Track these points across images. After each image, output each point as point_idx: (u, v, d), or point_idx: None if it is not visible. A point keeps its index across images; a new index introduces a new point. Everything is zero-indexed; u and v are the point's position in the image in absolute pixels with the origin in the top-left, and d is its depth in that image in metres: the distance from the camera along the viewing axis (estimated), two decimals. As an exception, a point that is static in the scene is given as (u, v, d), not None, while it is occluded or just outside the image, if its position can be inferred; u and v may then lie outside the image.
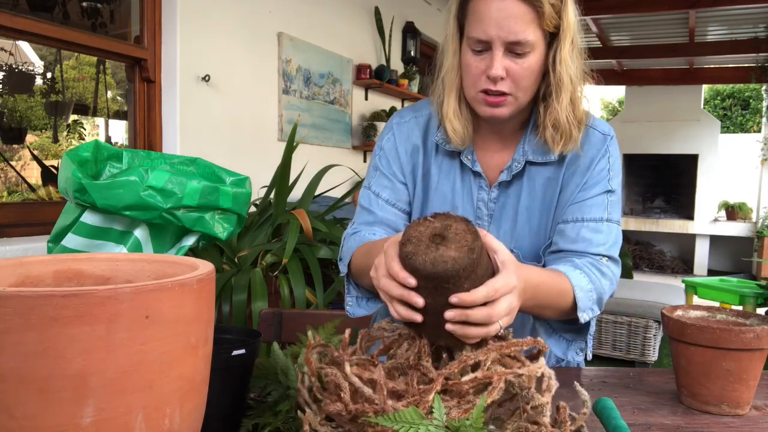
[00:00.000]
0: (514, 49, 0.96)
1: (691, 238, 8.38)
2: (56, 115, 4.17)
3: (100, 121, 4.58)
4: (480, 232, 0.73)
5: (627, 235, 8.55)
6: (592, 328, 1.03)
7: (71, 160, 1.26)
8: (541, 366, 0.68)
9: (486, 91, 1.00)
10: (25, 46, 4.09)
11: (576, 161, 1.07)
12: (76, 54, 4.16)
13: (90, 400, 0.46)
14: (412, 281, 0.68)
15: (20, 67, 3.94)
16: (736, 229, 7.92)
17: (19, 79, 4.03)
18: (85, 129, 4.35)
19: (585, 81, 1.06)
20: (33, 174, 4.16)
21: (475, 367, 0.68)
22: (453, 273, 0.66)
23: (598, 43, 6.86)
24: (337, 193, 3.11)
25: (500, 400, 0.67)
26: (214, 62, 2.90)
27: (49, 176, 3.47)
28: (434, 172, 1.13)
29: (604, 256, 1.03)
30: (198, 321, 0.54)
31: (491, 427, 0.66)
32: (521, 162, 1.09)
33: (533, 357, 0.71)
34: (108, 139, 4.35)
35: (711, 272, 8.04)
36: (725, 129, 10.83)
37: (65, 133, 4.31)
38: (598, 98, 13.26)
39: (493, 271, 0.74)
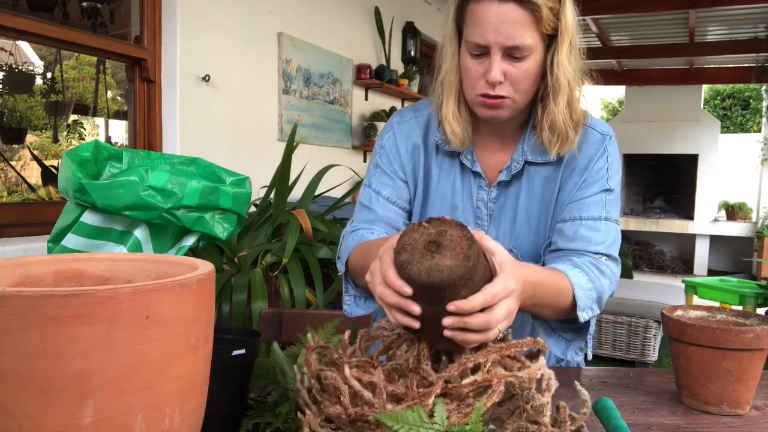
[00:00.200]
0: (513, 53, 0.96)
1: (691, 238, 8.38)
2: (56, 115, 4.17)
3: (100, 121, 4.58)
4: (477, 234, 0.72)
5: (627, 235, 8.55)
6: (592, 328, 1.02)
7: (71, 160, 1.26)
8: (541, 366, 0.68)
9: (485, 95, 1.00)
10: (25, 46, 4.10)
11: (574, 160, 1.07)
12: (76, 54, 4.16)
13: (90, 400, 0.46)
14: (407, 290, 0.68)
15: (20, 67, 3.94)
16: (736, 229, 7.92)
17: (19, 79, 4.03)
18: (85, 129, 4.35)
19: (584, 81, 1.06)
20: (33, 174, 4.16)
21: (475, 369, 0.68)
22: (449, 282, 0.65)
23: (598, 43, 6.86)
24: (337, 193, 3.11)
25: (500, 399, 0.67)
26: (214, 62, 2.90)
27: (49, 176, 3.47)
28: (435, 172, 1.13)
29: (603, 254, 1.03)
30: (198, 321, 0.54)
31: (491, 426, 0.66)
32: (520, 162, 1.09)
33: (533, 356, 0.71)
34: (108, 139, 4.35)
35: (711, 272, 8.04)
36: (725, 129, 10.83)
37: (65, 133, 4.31)
38: (598, 98, 13.26)
39: (491, 274, 0.73)
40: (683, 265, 8.49)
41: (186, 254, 1.37)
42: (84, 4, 3.14)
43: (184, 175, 1.30)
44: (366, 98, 4.37)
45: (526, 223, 1.10)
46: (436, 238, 0.67)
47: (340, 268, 1.11)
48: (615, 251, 1.05)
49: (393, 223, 1.13)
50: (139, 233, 1.31)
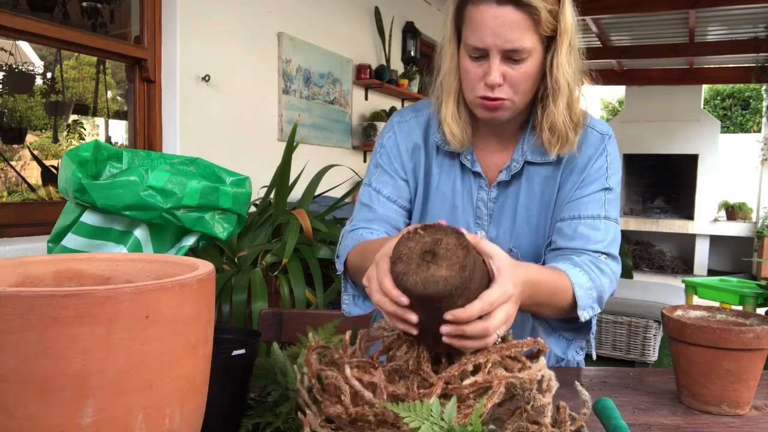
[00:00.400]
0: (512, 55, 0.96)
1: (691, 238, 8.38)
2: (56, 115, 4.17)
3: (100, 121, 4.58)
4: (473, 239, 0.72)
5: (627, 235, 8.55)
6: (594, 327, 1.02)
7: (71, 160, 1.26)
8: (542, 367, 0.68)
9: (484, 97, 1.00)
10: (25, 46, 4.10)
11: (574, 160, 1.07)
12: (76, 54, 4.16)
13: (90, 400, 0.46)
14: (404, 300, 0.67)
15: (20, 67, 3.94)
16: (736, 229, 7.92)
17: (19, 79, 4.03)
18: (85, 129, 4.35)
19: (584, 81, 1.06)
20: (33, 174, 4.16)
21: (476, 369, 0.68)
22: (445, 294, 0.64)
23: (598, 43, 6.86)
24: (337, 193, 3.11)
25: (500, 400, 0.67)
26: (214, 62, 2.90)
27: (49, 176, 3.47)
28: (435, 172, 1.13)
29: (602, 253, 1.02)
30: (198, 321, 0.54)
31: (491, 426, 0.66)
32: (520, 162, 1.09)
33: (533, 356, 0.71)
34: (108, 139, 4.35)
35: (711, 272, 8.04)
36: (725, 129, 10.83)
37: (65, 133, 4.31)
38: (598, 98, 13.26)
39: (489, 278, 0.73)
40: (683, 265, 8.49)
41: (186, 254, 1.37)
42: (84, 4, 3.14)
43: (184, 175, 1.30)
44: (366, 98, 4.37)
45: (526, 223, 1.10)
46: (432, 247, 0.66)
47: (339, 267, 1.11)
48: (615, 250, 1.04)
49: (393, 222, 1.13)
50: (139, 233, 1.31)
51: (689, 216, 8.35)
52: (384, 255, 0.72)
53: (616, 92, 12.36)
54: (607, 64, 7.63)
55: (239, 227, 1.42)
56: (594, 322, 1.01)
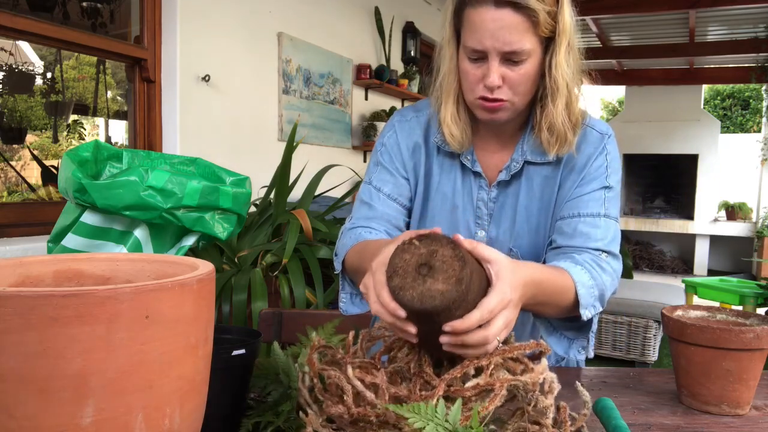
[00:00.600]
0: (511, 57, 0.96)
1: (691, 238, 8.38)
2: (56, 115, 4.17)
3: (100, 121, 4.58)
4: (471, 244, 0.71)
5: (627, 235, 8.55)
6: (594, 326, 1.02)
7: (71, 160, 1.26)
8: (544, 369, 0.67)
9: (484, 98, 1.00)
10: (25, 46, 4.10)
11: (573, 159, 1.08)
12: (76, 54, 4.16)
13: (90, 400, 0.46)
14: (401, 314, 0.67)
15: (20, 67, 3.94)
16: (736, 229, 7.92)
17: (19, 79, 4.03)
18: (85, 129, 4.35)
19: (583, 81, 1.06)
20: (33, 174, 4.16)
21: (478, 371, 0.68)
22: (442, 308, 0.64)
23: (598, 43, 6.86)
24: (337, 193, 3.11)
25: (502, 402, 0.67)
26: (214, 62, 2.90)
27: (49, 176, 3.47)
28: (436, 172, 1.13)
29: (603, 251, 1.02)
30: (198, 321, 0.54)
31: (492, 426, 0.66)
32: (520, 162, 1.09)
33: (535, 357, 0.71)
34: (108, 139, 4.35)
35: (711, 272, 8.04)
36: (725, 129, 10.83)
37: (65, 133, 4.31)
38: (598, 98, 13.26)
39: (487, 283, 0.72)
40: (683, 265, 8.49)
41: (186, 254, 1.37)
42: (84, 4, 3.14)
43: (184, 175, 1.30)
44: (366, 98, 4.37)
45: (525, 223, 1.10)
46: (427, 259, 0.65)
47: (337, 266, 1.11)
48: (615, 248, 1.04)
49: (393, 221, 1.13)
50: (139, 233, 1.31)
51: (689, 216, 8.35)
52: (380, 264, 0.72)
53: (616, 92, 12.37)
54: (607, 64, 7.63)
55: (239, 227, 1.42)
56: (595, 320, 1.01)
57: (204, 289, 0.54)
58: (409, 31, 4.78)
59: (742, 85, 10.93)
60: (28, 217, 2.23)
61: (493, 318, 0.69)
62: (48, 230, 1.47)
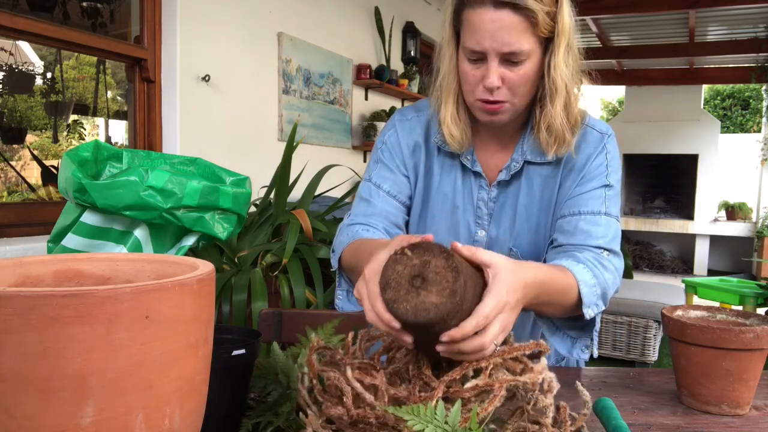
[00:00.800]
0: (510, 58, 0.96)
1: (691, 238, 8.38)
2: (56, 115, 4.17)
3: (100, 121, 4.58)
4: (468, 251, 0.71)
5: (627, 235, 8.55)
6: (598, 325, 1.01)
7: (71, 160, 1.26)
8: (543, 368, 0.67)
9: (484, 100, 1.00)
10: (25, 46, 4.09)
11: (573, 159, 1.08)
12: (76, 54, 4.16)
13: (90, 400, 0.46)
14: (396, 325, 0.66)
15: (20, 67, 3.94)
16: (736, 229, 7.92)
17: (19, 79, 4.03)
18: (85, 129, 4.35)
19: (582, 81, 1.06)
20: (33, 174, 4.16)
21: (477, 372, 0.68)
22: (437, 321, 0.64)
23: (598, 43, 6.86)
24: (337, 193, 3.11)
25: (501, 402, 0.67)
26: (214, 62, 2.90)
27: (49, 176, 3.47)
28: (436, 171, 1.14)
29: (604, 249, 1.02)
30: (198, 321, 0.54)
31: (492, 426, 0.66)
32: (520, 162, 1.09)
33: (534, 356, 0.71)
34: (108, 139, 4.35)
35: (711, 272, 8.04)
36: (725, 129, 10.84)
37: (65, 133, 4.31)
38: (598, 98, 13.26)
39: (484, 286, 0.72)
40: (683, 265, 8.49)
41: (186, 254, 1.37)
42: (84, 4, 3.14)
43: (184, 175, 1.30)
44: (366, 98, 4.37)
45: (525, 222, 1.10)
46: (420, 270, 0.65)
47: (334, 263, 1.11)
48: (616, 246, 1.04)
49: (391, 218, 1.13)
50: (139, 233, 1.31)
51: (689, 216, 8.36)
52: (374, 273, 0.71)
53: (616, 92, 12.37)
54: (607, 64, 7.64)
55: (239, 227, 1.42)
56: (598, 319, 1.00)
57: (204, 289, 0.54)
58: (409, 31, 4.78)
59: (742, 85, 10.93)
60: (28, 217, 2.23)
61: (489, 324, 0.69)
62: (48, 230, 1.47)
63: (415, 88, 4.68)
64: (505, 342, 0.73)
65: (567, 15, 0.98)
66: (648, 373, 1.06)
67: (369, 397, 0.63)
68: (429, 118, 1.14)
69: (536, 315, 1.05)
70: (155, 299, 0.49)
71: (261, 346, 0.83)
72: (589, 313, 0.95)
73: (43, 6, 2.84)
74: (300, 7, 3.56)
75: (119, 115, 4.24)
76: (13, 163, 4.17)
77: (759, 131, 8.63)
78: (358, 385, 0.64)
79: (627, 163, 8.47)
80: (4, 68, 3.83)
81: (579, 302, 0.94)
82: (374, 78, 4.20)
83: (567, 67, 1.00)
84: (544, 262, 1.08)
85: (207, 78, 2.85)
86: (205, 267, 0.58)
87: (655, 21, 6.22)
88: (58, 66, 4.18)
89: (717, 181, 8.23)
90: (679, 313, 0.96)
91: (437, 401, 0.61)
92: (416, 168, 1.14)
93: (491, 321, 0.69)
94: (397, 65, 4.73)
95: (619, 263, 1.03)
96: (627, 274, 4.91)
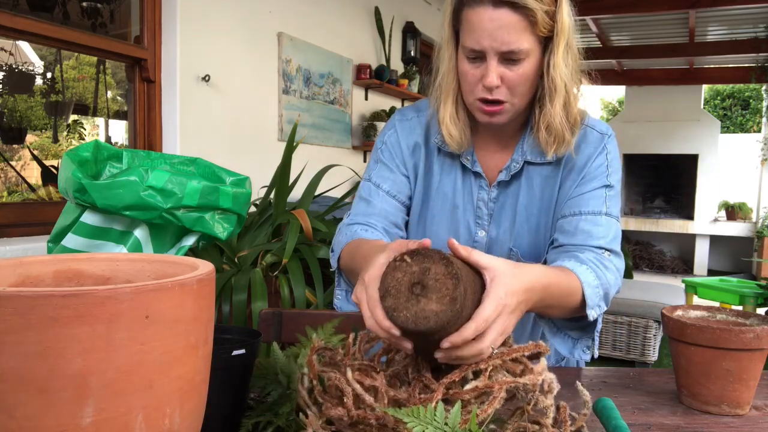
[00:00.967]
0: (509, 56, 0.96)
1: (691, 238, 8.38)
2: (56, 115, 4.17)
3: (100, 121, 4.58)
4: (465, 251, 0.71)
5: (627, 235, 8.55)
6: (599, 325, 1.01)
7: (71, 160, 1.26)
8: (543, 369, 0.67)
9: (483, 100, 1.00)
10: (25, 46, 4.09)
11: (574, 159, 1.07)
12: (76, 54, 4.16)
13: (90, 400, 0.46)
14: (395, 332, 0.66)
15: (20, 67, 3.94)
16: (736, 229, 7.92)
17: (19, 79, 4.03)
18: (85, 129, 4.35)
19: (582, 81, 1.06)
20: (33, 174, 4.16)
21: (476, 374, 0.68)
22: (437, 329, 0.63)
23: (598, 43, 6.86)
24: (337, 193, 3.11)
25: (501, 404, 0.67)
26: (214, 62, 2.90)
27: (49, 176, 3.47)
28: (436, 172, 1.13)
29: (605, 249, 1.01)
30: (198, 321, 0.54)
31: (492, 426, 0.66)
32: (520, 162, 1.09)
33: (534, 357, 0.71)
34: (108, 139, 4.35)
35: (711, 272, 8.04)
36: (725, 129, 10.84)
37: (65, 133, 4.31)
38: (598, 98, 13.26)
39: (482, 289, 0.71)
40: (683, 265, 8.49)
41: (186, 254, 1.37)
42: (84, 4, 3.14)
43: (184, 175, 1.30)
44: (366, 98, 4.37)
45: (525, 223, 1.10)
46: (420, 278, 0.65)
47: (333, 262, 1.11)
48: (617, 247, 1.04)
49: (391, 217, 1.13)
50: (139, 233, 1.31)
51: (689, 216, 8.36)
52: (373, 279, 0.70)
53: (616, 92, 12.37)
54: (607, 64, 7.64)
55: (239, 227, 1.42)
56: (600, 320, 1.00)
57: (204, 289, 0.54)
58: (409, 31, 4.78)
59: (742, 85, 10.93)
60: (28, 217, 2.23)
61: (488, 328, 0.69)
62: (48, 230, 1.47)
63: (415, 88, 4.68)
64: (504, 343, 0.73)
65: (566, 14, 0.98)
66: (648, 373, 1.06)
67: (369, 398, 0.63)
68: (429, 118, 1.14)
69: (538, 316, 1.05)
70: (155, 299, 0.49)
71: (261, 346, 0.83)
72: (592, 314, 0.95)
73: (43, 6, 2.84)
74: (300, 7, 3.56)
75: (119, 115, 4.24)
76: (13, 163, 4.17)
77: (759, 131, 8.64)
78: (358, 387, 0.64)
79: (627, 163, 8.47)
80: (4, 68, 3.83)
81: (582, 303, 0.94)
82: (374, 78, 4.20)
83: (566, 66, 1.00)
84: (545, 262, 1.08)
85: (207, 78, 2.85)
86: (205, 267, 0.58)
87: (655, 21, 6.22)
88: (58, 66, 4.18)
89: (717, 181, 8.23)
90: (679, 313, 0.96)
91: (437, 403, 0.61)
92: (416, 168, 1.14)
93: (490, 325, 0.69)
94: (397, 65, 4.73)
95: (620, 263, 1.03)
96: (627, 274, 4.91)
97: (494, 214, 1.11)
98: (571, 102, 1.03)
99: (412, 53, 4.79)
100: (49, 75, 4.23)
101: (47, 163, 3.98)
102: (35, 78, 4.18)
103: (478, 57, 0.97)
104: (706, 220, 8.17)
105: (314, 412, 0.68)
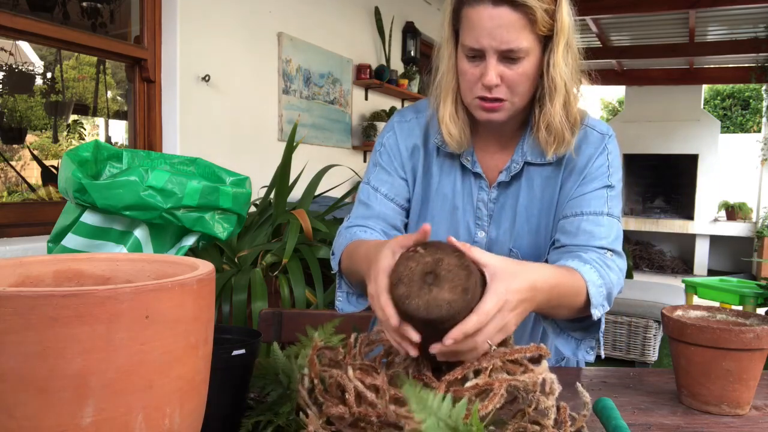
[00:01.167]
0: (508, 55, 0.96)
1: (691, 238, 8.38)
2: (56, 115, 4.17)
3: (100, 121, 4.59)
4: (463, 246, 0.71)
5: (627, 235, 8.55)
6: (602, 325, 1.01)
7: (71, 160, 1.26)
8: (543, 370, 0.67)
9: (482, 98, 1.00)
10: (25, 46, 4.10)
11: (574, 160, 1.07)
12: (76, 54, 4.16)
13: (90, 400, 0.46)
14: (394, 322, 0.67)
15: (20, 67, 3.94)
16: (736, 229, 7.92)
17: (19, 79, 4.03)
18: (85, 129, 4.35)
19: (582, 81, 1.05)
20: (33, 174, 4.16)
21: (477, 373, 0.68)
22: (448, 317, 0.64)
23: (598, 43, 6.86)
24: (337, 193, 3.11)
25: (502, 403, 0.67)
26: (214, 62, 2.90)
27: (49, 176, 3.48)
28: (435, 172, 1.13)
29: (607, 249, 1.01)
30: (198, 321, 0.54)
31: (491, 427, 0.66)
32: (520, 163, 1.09)
33: (535, 360, 0.71)
34: (108, 139, 4.35)
35: (711, 272, 8.04)
36: (725, 129, 10.84)
37: (65, 133, 4.31)
38: (598, 98, 13.26)
39: (484, 284, 0.72)
40: (683, 265, 8.49)
41: (186, 254, 1.37)
42: (84, 4, 3.14)
43: (184, 175, 1.30)
44: (366, 98, 4.37)
45: (525, 223, 1.10)
46: (433, 267, 0.65)
47: (334, 265, 1.11)
48: (619, 247, 1.04)
49: (389, 220, 1.13)
50: (139, 233, 1.31)
51: (689, 216, 8.35)
52: (381, 270, 0.71)
53: (616, 92, 12.37)
54: (607, 64, 7.63)
55: (239, 227, 1.42)
56: (603, 320, 1.00)
57: (204, 289, 0.54)
58: (409, 31, 4.78)
59: (742, 85, 10.93)
60: (28, 217, 2.23)
61: (487, 323, 0.69)
62: (48, 230, 1.47)
63: (415, 88, 4.68)
64: (504, 344, 0.73)
65: (566, 13, 0.98)
66: (648, 373, 1.06)
67: (370, 395, 0.63)
68: (428, 118, 1.14)
69: (541, 317, 1.05)
70: (155, 299, 0.49)
71: (261, 346, 0.83)
72: (596, 313, 0.95)
73: (43, 6, 2.84)
74: (300, 7, 3.56)
75: (119, 115, 4.24)
76: (13, 163, 4.17)
77: (759, 131, 8.63)
78: (358, 383, 0.64)
79: (627, 163, 8.47)
80: (4, 68, 3.83)
81: (587, 303, 0.94)
82: (374, 78, 4.20)
83: (566, 65, 1.00)
84: (546, 263, 1.08)
85: (207, 78, 2.85)
86: (205, 267, 0.58)
87: (655, 21, 6.22)
88: (58, 66, 4.18)
89: (717, 181, 8.23)
90: (679, 313, 0.96)
91: (448, 395, 0.61)
92: (414, 170, 1.14)
93: (490, 320, 0.69)
94: (397, 65, 4.73)
95: (622, 263, 1.03)
96: (627, 274, 4.88)
97: (494, 215, 1.11)
98: (571, 101, 1.03)
99: (412, 53, 4.79)
100: (49, 75, 4.23)
101: (47, 163, 3.98)
102: (35, 78, 4.18)
103: (478, 56, 0.97)
104: (706, 220, 8.17)
105: (314, 412, 0.68)
